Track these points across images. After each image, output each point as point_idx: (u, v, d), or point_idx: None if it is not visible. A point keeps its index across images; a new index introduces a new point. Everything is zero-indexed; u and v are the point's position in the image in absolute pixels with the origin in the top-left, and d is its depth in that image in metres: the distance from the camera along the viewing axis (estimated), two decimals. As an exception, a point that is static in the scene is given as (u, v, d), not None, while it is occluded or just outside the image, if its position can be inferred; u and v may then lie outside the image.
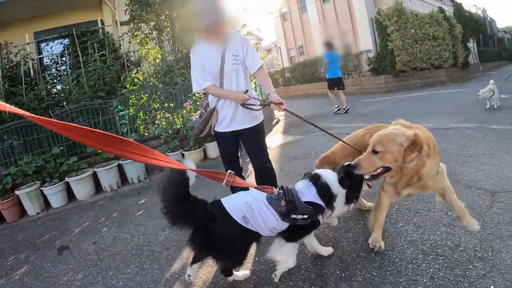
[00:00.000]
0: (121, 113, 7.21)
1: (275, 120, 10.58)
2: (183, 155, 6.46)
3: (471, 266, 2.27)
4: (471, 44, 27.05)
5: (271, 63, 39.48)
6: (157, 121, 7.10)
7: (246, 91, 2.86)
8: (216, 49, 2.84)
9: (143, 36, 9.35)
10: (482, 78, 20.37)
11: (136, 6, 8.42)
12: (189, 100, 6.84)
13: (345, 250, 2.71)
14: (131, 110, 7.27)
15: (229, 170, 1.95)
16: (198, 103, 6.88)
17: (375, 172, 2.19)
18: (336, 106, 10.59)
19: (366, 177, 2.22)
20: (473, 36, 28.02)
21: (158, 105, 7.38)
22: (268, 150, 3.35)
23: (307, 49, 24.49)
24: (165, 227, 3.72)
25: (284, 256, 2.26)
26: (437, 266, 2.32)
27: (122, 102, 7.18)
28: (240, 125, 3.00)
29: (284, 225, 2.15)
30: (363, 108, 10.84)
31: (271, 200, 2.11)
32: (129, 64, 8.94)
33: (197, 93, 2.98)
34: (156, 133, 6.88)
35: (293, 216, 2.07)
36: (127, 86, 7.90)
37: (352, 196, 2.23)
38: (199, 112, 3.28)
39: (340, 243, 2.83)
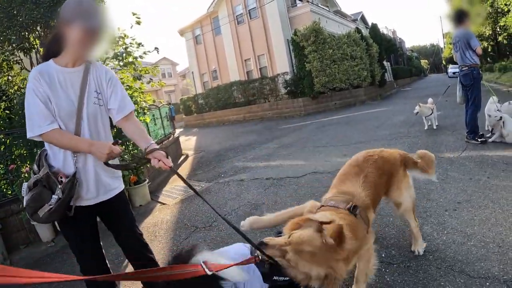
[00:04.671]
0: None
1: (182, 157, 8.68)
2: (53, 224, 4.36)
3: None
4: (386, 63, 28.30)
5: (186, 90, 37.93)
6: (22, 175, 4.82)
7: (116, 142, 1.99)
8: (74, 77, 1.91)
9: (2, 59, 7.02)
10: (399, 94, 21.09)
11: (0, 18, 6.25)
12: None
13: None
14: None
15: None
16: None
17: None
18: None
19: None
20: (386, 55, 29.45)
21: (26, 152, 5.16)
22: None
23: (220, 74, 23.30)
24: None
25: None
26: None
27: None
28: (108, 193, 2.05)
29: None
30: (283, 137, 9.45)
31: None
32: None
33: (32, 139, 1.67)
34: (16, 193, 4.66)
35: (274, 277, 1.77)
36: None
37: None
38: (31, 179, 1.91)
39: None
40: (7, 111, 6.24)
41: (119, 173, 2.18)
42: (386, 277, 2.17)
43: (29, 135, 1.83)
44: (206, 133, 15.51)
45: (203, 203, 4.40)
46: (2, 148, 5.27)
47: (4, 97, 6.92)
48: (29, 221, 4.39)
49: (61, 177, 1.85)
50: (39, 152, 1.98)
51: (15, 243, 4.42)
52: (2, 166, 5.14)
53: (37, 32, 6.63)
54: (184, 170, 7.25)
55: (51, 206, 1.81)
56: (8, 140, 5.30)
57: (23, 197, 1.88)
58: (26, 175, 4.63)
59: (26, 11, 5.96)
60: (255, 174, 5.42)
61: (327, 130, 9.26)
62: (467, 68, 5.19)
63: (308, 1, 19.77)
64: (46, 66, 1.89)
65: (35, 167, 1.96)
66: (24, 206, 1.90)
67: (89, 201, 1.99)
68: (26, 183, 1.90)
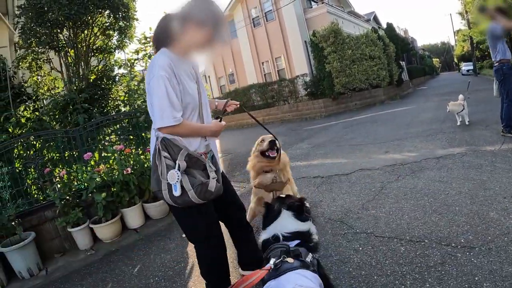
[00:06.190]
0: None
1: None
2: (92, 230, 4.19)
3: None
4: (401, 62, 28.15)
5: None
6: (56, 180, 4.74)
7: (218, 118, 2.19)
8: (189, 67, 1.98)
9: (31, 58, 6.95)
10: (416, 93, 20.95)
11: (29, 15, 6.06)
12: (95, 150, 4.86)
13: None
14: (17, 165, 5.00)
15: None
16: (107, 154, 4.94)
17: None
18: None
19: None
20: (401, 55, 29.27)
21: (57, 155, 5.12)
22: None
23: (238, 77, 23.40)
24: None
25: None
26: None
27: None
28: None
29: None
30: (313, 137, 9.44)
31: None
32: (25, 98, 6.49)
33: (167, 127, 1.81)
34: (51, 198, 4.30)
35: None
36: (10, 130, 5.53)
37: None
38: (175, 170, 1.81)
39: None
40: (36, 113, 6.07)
41: None
42: (473, 259, 2.29)
43: (159, 124, 1.78)
44: (227, 136, 15.54)
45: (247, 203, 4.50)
46: (32, 151, 5.07)
47: (33, 97, 6.74)
48: (64, 228, 4.17)
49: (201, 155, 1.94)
50: (157, 147, 1.84)
51: (49, 252, 4.12)
52: (32, 170, 4.93)
53: (66, 32, 6.48)
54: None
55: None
56: (38, 143, 5.15)
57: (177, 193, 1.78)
58: (59, 179, 4.54)
59: (58, 7, 5.72)
60: (300, 173, 5.43)
61: (356, 129, 9.25)
62: (498, 63, 5.26)
63: (323, 2, 19.86)
64: (167, 57, 1.82)
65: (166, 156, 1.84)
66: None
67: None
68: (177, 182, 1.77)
